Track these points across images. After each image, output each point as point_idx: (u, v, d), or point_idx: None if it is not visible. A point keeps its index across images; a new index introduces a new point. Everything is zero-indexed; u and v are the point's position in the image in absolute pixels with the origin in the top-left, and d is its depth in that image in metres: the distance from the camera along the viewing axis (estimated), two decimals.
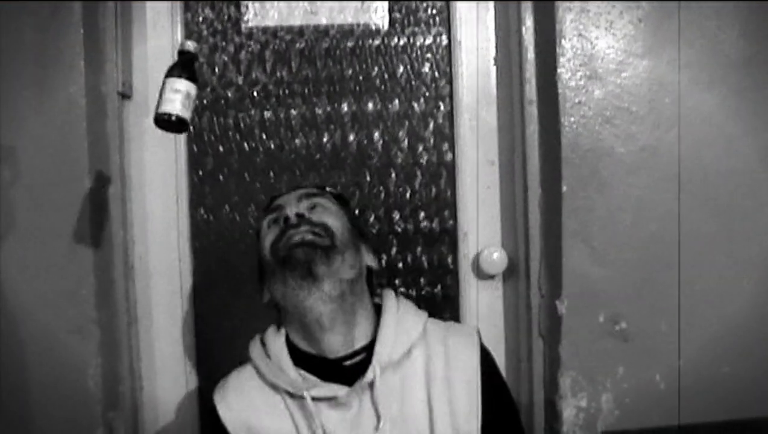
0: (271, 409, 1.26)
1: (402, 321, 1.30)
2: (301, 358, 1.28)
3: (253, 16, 1.74)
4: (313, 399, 1.22)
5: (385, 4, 1.76)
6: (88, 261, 1.51)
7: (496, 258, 1.69)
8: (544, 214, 1.61)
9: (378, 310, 1.33)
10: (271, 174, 1.74)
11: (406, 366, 1.27)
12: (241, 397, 1.28)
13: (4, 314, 1.48)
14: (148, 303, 1.71)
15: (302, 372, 1.27)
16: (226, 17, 1.74)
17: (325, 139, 1.75)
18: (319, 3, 1.74)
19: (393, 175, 1.76)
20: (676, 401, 1.56)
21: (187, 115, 1.27)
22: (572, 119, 1.54)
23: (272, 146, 1.74)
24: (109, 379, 1.54)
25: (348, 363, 1.27)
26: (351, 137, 1.76)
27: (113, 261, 1.59)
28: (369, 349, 1.27)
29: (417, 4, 1.76)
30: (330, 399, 1.23)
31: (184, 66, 1.28)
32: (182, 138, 1.71)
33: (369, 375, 1.23)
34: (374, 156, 1.76)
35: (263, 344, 1.33)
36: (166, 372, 1.72)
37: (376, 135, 1.76)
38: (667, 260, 1.56)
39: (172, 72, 1.27)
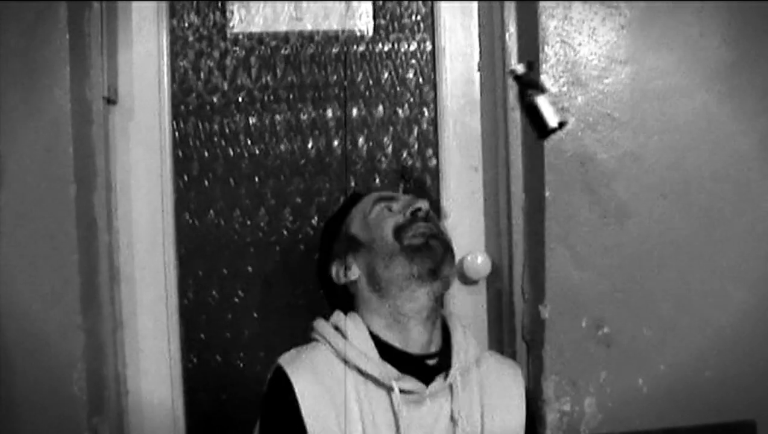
0: (342, 393, 1.24)
1: (467, 337, 1.35)
2: (380, 349, 1.28)
3: (238, 22, 1.74)
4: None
5: (370, 10, 1.76)
6: (73, 266, 1.51)
7: (479, 263, 1.70)
8: (527, 219, 1.62)
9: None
10: (257, 179, 1.75)
11: (465, 379, 1.31)
12: (315, 374, 1.25)
13: None
14: (134, 307, 1.71)
15: (384, 363, 1.27)
16: (211, 23, 1.74)
17: (309, 145, 1.76)
18: (304, 7, 1.74)
19: (377, 180, 1.77)
20: (659, 405, 1.57)
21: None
22: None
23: (257, 151, 1.75)
24: (94, 384, 1.54)
25: (430, 362, 1.30)
26: (336, 143, 1.76)
27: (98, 266, 1.60)
28: (440, 355, 1.31)
29: (401, 11, 1.77)
30: (409, 393, 1.25)
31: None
32: (168, 143, 1.71)
33: (451, 377, 1.27)
34: (359, 161, 1.76)
35: (336, 329, 1.31)
36: (152, 376, 1.71)
37: (361, 140, 1.76)
38: (650, 265, 1.57)
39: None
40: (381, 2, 1.77)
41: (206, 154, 1.74)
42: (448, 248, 1.31)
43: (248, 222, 1.75)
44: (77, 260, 1.51)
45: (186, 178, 1.74)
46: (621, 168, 1.56)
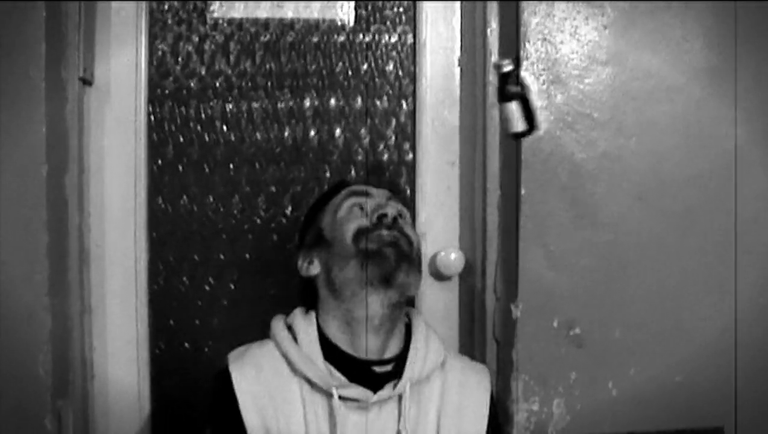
0: (285, 395, 1.25)
1: (429, 344, 1.33)
2: (330, 351, 1.28)
3: (219, 7, 1.72)
4: (339, 397, 1.23)
5: (352, 0, 1.75)
6: (42, 248, 1.48)
7: (453, 259, 1.69)
8: (502, 217, 1.61)
9: (406, 328, 1.36)
10: (231, 166, 1.73)
11: (424, 388, 1.30)
12: (258, 373, 1.27)
13: None
14: (103, 291, 1.69)
15: (330, 367, 1.26)
16: (191, 7, 1.72)
17: (286, 133, 1.74)
18: None
19: (353, 171, 1.76)
20: (628, 408, 1.56)
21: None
22: None
23: (233, 138, 1.73)
24: (59, 367, 1.52)
25: (378, 369, 1.28)
26: (312, 132, 1.75)
27: (68, 248, 1.57)
28: (395, 362, 1.30)
29: (383, 3, 1.75)
30: (353, 401, 1.24)
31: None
32: (143, 126, 1.69)
33: (400, 387, 1.26)
34: (335, 152, 1.75)
35: (289, 328, 1.32)
36: (119, 361, 1.70)
37: (338, 131, 1.75)
38: (623, 267, 1.56)
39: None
40: None
41: (181, 138, 1.73)
42: (404, 256, 1.29)
43: (221, 209, 1.73)
44: (47, 241, 1.49)
45: (160, 162, 1.72)
46: (598, 168, 1.55)
